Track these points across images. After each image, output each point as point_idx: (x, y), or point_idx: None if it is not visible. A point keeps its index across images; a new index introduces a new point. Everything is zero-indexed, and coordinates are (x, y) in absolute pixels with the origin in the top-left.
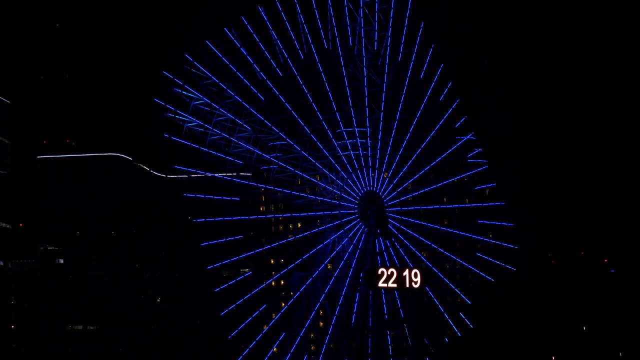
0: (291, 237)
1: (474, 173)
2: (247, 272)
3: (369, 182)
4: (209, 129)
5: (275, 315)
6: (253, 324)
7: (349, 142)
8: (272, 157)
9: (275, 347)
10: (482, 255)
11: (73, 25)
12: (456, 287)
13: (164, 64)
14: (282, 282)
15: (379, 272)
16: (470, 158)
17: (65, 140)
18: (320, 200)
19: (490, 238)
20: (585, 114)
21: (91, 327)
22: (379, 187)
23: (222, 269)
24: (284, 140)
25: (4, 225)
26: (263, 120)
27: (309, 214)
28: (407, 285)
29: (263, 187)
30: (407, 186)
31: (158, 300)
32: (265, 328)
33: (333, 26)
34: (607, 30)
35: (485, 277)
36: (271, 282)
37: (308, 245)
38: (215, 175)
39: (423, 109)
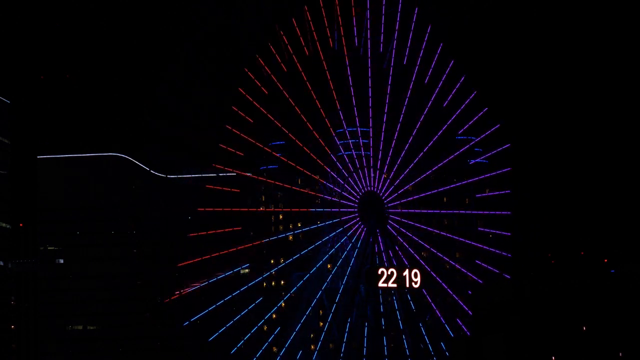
0: (290, 235)
1: (475, 180)
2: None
3: (369, 183)
4: None
5: (274, 314)
6: (250, 321)
7: (351, 142)
8: (274, 154)
9: (275, 346)
10: (481, 263)
11: (73, 25)
12: (454, 291)
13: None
14: (283, 282)
15: (379, 272)
16: (472, 163)
17: (65, 140)
18: (321, 198)
19: (490, 243)
20: (585, 115)
21: (91, 327)
22: (379, 187)
23: (219, 267)
24: (286, 137)
25: (4, 225)
26: (266, 114)
27: (309, 210)
28: (407, 285)
29: (264, 182)
30: (407, 188)
31: (158, 300)
32: (260, 322)
33: (340, 27)
34: (607, 31)
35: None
36: (270, 281)
37: (307, 244)
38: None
39: (427, 112)
